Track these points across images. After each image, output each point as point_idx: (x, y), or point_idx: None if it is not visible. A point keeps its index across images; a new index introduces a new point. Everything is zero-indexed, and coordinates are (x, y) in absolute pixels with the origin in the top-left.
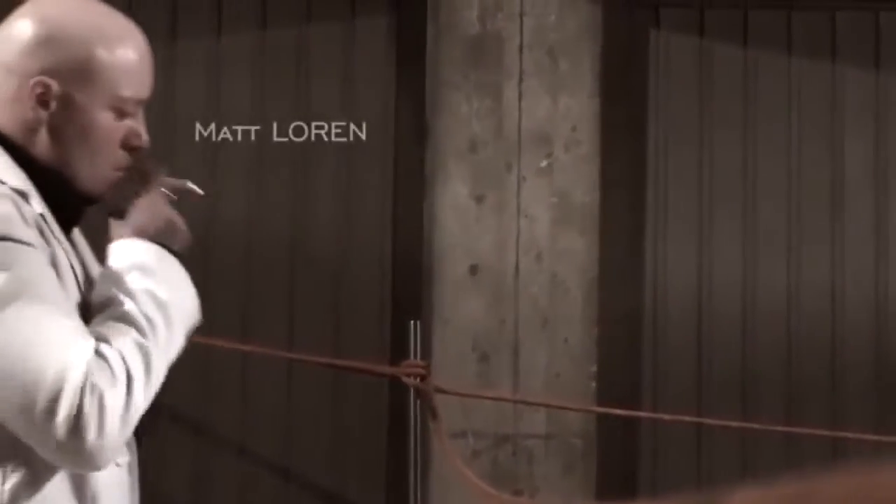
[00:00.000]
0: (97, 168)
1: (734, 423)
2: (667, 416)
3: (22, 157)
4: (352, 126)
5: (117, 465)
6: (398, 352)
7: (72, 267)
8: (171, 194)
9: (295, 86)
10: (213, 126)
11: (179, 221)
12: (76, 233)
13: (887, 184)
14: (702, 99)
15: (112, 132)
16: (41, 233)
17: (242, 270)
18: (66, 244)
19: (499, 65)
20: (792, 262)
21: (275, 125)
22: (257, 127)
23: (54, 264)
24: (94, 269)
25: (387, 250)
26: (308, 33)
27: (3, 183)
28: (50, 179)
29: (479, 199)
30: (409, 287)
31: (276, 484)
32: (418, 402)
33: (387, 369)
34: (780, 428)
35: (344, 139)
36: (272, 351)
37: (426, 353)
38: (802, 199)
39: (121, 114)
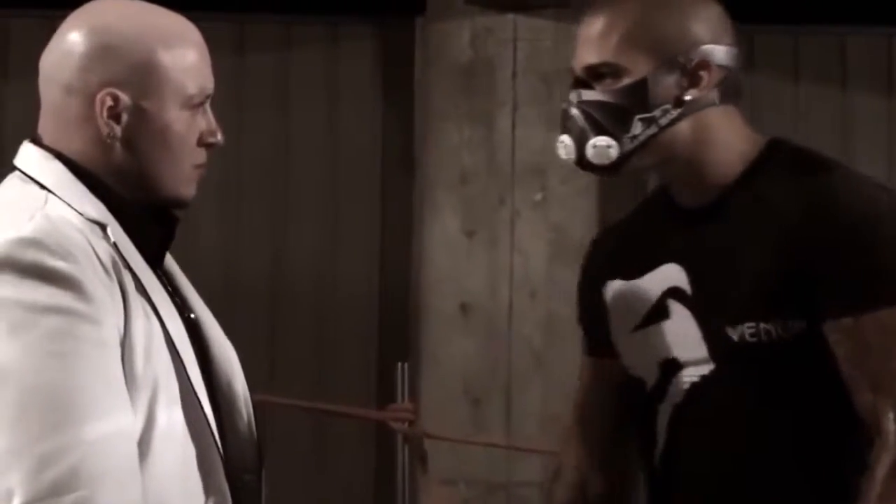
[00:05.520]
0: (179, 171)
1: None
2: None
3: (98, 182)
4: (335, 157)
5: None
6: (385, 395)
7: (149, 299)
8: None
9: (274, 115)
10: None
11: None
12: (168, 259)
13: None
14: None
15: (188, 132)
16: (114, 266)
17: (217, 309)
18: (148, 273)
19: (491, 93)
20: None
21: (253, 156)
22: (233, 158)
23: (125, 305)
24: (190, 294)
25: (373, 287)
26: (288, 59)
27: (80, 214)
28: (134, 196)
29: (471, 234)
30: (396, 326)
31: None
32: (406, 448)
33: (373, 414)
34: None
35: (327, 171)
36: (251, 395)
37: (414, 396)
38: None
39: (192, 111)
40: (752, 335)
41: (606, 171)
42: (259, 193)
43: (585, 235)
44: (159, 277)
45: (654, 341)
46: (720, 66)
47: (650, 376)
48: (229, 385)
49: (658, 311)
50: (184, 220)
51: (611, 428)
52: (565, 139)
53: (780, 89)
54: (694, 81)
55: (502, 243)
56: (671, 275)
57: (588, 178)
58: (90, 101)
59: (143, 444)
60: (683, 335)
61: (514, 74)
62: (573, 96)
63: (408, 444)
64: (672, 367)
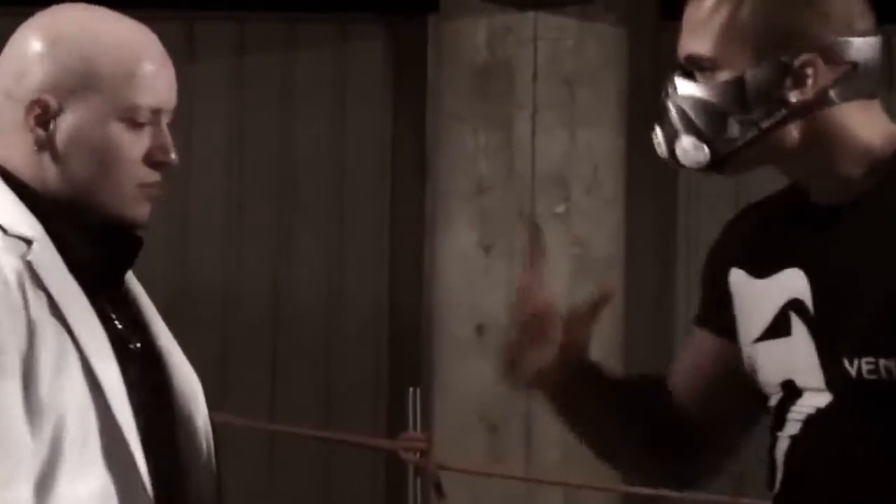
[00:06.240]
0: (118, 188)
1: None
2: (701, 496)
3: (31, 194)
4: (342, 164)
5: None
6: (395, 423)
7: (65, 323)
8: None
9: (278, 119)
10: (183, 161)
11: None
12: (133, 282)
13: None
14: None
15: (128, 147)
16: (20, 285)
17: (217, 330)
18: (73, 296)
19: (509, 96)
20: None
21: (254, 164)
22: (234, 165)
23: (30, 328)
24: (153, 321)
25: (382, 306)
26: (293, 59)
27: (3, 231)
28: (75, 212)
29: (487, 249)
30: (407, 349)
31: None
32: (419, 480)
33: (383, 443)
34: None
35: (333, 179)
36: (252, 422)
37: (427, 424)
38: None
39: (136, 125)
40: (870, 371)
41: (704, 172)
42: (260, 205)
43: (611, 250)
44: (106, 301)
45: (775, 358)
46: (840, 63)
47: (773, 395)
48: (190, 419)
49: (780, 325)
50: (178, 232)
51: (726, 406)
52: (658, 133)
53: None
54: (798, 81)
55: (521, 259)
56: (794, 283)
57: (614, 189)
58: (23, 106)
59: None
60: (802, 359)
61: (534, 76)
62: (670, 86)
63: (420, 476)
64: (791, 391)
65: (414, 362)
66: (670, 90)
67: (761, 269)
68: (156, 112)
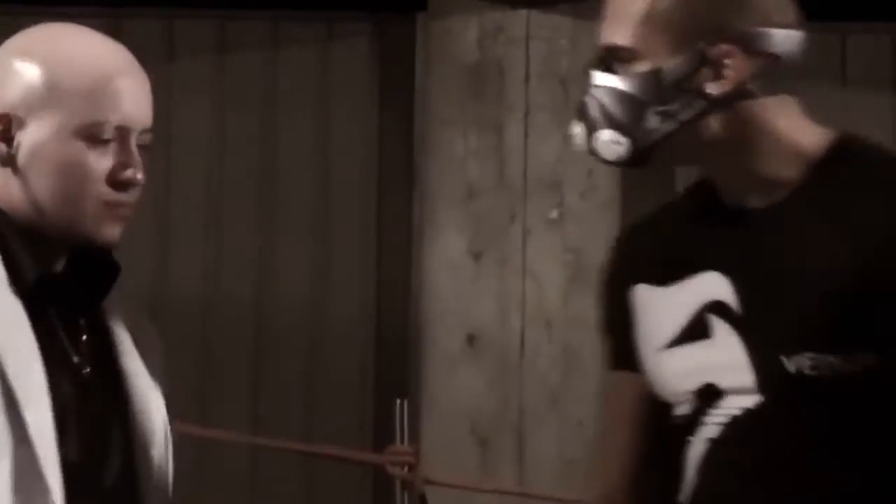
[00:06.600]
0: (78, 205)
1: None
2: None
3: None
4: (327, 168)
5: None
6: (382, 436)
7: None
8: None
9: (260, 121)
10: (161, 168)
11: None
12: (111, 303)
13: None
14: None
15: (90, 164)
16: None
17: (197, 340)
18: (12, 314)
19: (501, 97)
20: None
21: (235, 169)
22: (214, 169)
23: None
24: (121, 343)
25: (368, 316)
26: (276, 59)
27: None
28: (40, 229)
29: (478, 256)
30: (394, 359)
31: None
32: (406, 495)
33: (369, 457)
34: None
35: (318, 183)
36: (233, 436)
37: (415, 437)
38: None
39: (97, 143)
40: (812, 367)
41: (625, 166)
42: (242, 211)
43: (607, 257)
44: (65, 322)
45: (689, 363)
46: (761, 54)
47: (681, 403)
48: (147, 447)
49: (696, 328)
50: (157, 238)
51: (639, 460)
52: (578, 127)
53: (811, 92)
54: (717, 73)
55: (513, 266)
56: (713, 286)
57: (609, 193)
58: None
59: None
60: (727, 359)
61: (526, 77)
62: (590, 78)
63: (408, 491)
64: (710, 394)
65: (401, 373)
66: (590, 83)
67: (667, 276)
68: (122, 130)
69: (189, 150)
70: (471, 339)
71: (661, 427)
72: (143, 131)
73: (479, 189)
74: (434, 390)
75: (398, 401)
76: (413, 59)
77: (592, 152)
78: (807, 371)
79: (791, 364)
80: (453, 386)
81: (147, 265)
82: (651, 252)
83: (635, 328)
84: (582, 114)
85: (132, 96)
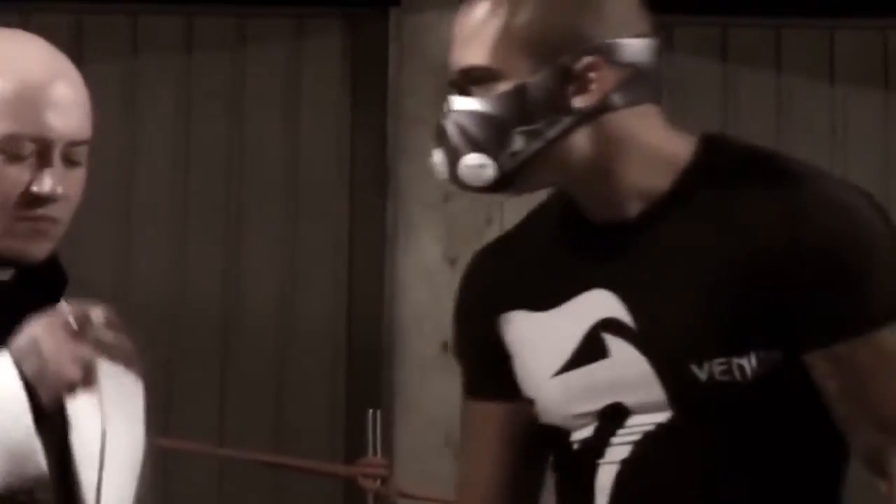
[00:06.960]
0: None
1: None
2: None
3: None
4: (296, 170)
5: None
6: (354, 448)
7: None
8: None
9: (227, 121)
10: (124, 170)
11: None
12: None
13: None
14: (726, 128)
15: (4, 180)
16: None
17: (162, 348)
18: None
19: None
20: None
21: (200, 171)
22: (179, 171)
23: None
24: None
25: (339, 323)
26: (244, 57)
27: None
28: None
29: (453, 262)
30: (366, 368)
31: None
32: None
33: (340, 469)
34: None
35: (287, 187)
36: (199, 447)
37: (388, 448)
38: None
39: (12, 157)
40: (723, 373)
41: (491, 192)
42: (207, 214)
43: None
44: (5, 332)
45: (588, 385)
46: (621, 65)
47: (582, 427)
48: (86, 485)
49: (590, 349)
50: (120, 245)
51: (501, 494)
52: (438, 156)
53: (764, 85)
54: (582, 86)
55: None
56: (601, 304)
57: None
58: None
59: None
60: (632, 376)
61: None
62: (447, 105)
63: None
64: (616, 414)
65: (374, 382)
66: (447, 109)
67: (547, 300)
68: (42, 142)
69: (154, 150)
70: (446, 347)
71: (558, 456)
72: (73, 143)
73: (454, 191)
74: (408, 400)
75: (371, 411)
76: (386, 56)
77: (455, 180)
78: (718, 377)
79: (702, 372)
80: (428, 395)
81: (109, 271)
82: (518, 276)
83: (512, 357)
84: (441, 140)
85: (56, 107)
